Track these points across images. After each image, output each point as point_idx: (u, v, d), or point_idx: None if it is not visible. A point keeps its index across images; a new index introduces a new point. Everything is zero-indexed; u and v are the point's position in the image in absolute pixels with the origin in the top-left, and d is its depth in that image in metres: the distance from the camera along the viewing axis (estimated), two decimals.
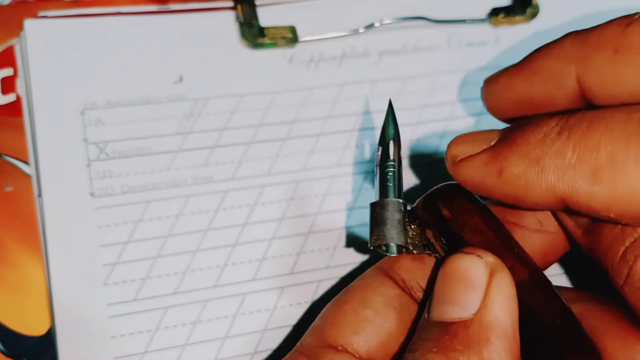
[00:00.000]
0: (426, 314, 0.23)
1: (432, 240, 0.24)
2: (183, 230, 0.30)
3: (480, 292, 0.21)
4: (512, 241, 0.23)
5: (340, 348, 0.24)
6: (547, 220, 0.26)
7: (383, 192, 0.25)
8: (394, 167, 0.25)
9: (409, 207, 0.25)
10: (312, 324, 0.25)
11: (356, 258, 0.31)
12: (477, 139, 0.23)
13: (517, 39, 0.37)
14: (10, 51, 0.33)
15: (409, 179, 0.33)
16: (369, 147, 0.33)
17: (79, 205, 0.30)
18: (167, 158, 0.31)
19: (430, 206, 0.24)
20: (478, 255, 0.22)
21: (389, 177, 0.25)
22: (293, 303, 0.30)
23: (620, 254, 0.21)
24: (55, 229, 0.29)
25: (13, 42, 0.33)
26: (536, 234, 0.26)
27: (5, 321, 0.29)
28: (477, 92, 0.36)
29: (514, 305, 0.22)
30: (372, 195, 0.32)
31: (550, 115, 0.21)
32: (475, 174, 0.22)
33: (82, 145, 0.31)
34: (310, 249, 0.31)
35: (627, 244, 0.21)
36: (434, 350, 0.21)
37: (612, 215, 0.20)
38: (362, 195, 0.32)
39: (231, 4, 0.35)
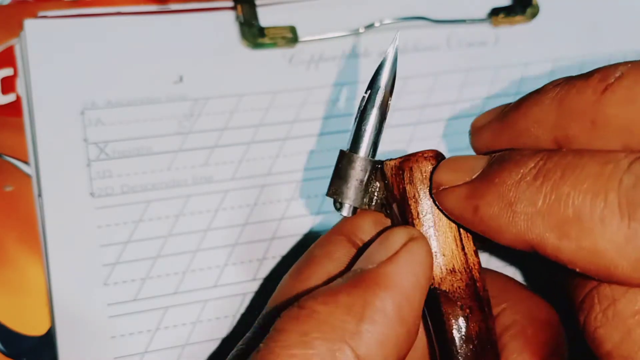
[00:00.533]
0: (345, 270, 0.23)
1: (391, 204, 0.23)
2: (183, 230, 0.30)
3: (391, 250, 0.22)
4: (459, 242, 0.23)
5: None
6: None
7: (355, 144, 0.23)
8: (375, 120, 0.23)
9: (379, 164, 0.24)
10: (272, 298, 0.25)
11: None
12: (461, 168, 0.22)
13: (517, 39, 0.37)
14: (10, 51, 0.33)
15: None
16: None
17: (79, 205, 0.30)
18: (167, 158, 0.31)
19: (397, 174, 0.23)
20: (407, 227, 0.22)
21: (364, 128, 0.23)
22: None
23: (581, 297, 0.21)
24: (55, 229, 0.29)
25: (13, 42, 0.33)
26: None
27: (5, 321, 0.29)
28: (477, 92, 0.36)
29: (422, 271, 0.22)
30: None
31: (533, 152, 0.21)
32: (454, 207, 0.22)
33: (82, 145, 0.31)
34: None
35: (588, 289, 0.21)
36: (322, 291, 0.21)
37: (577, 269, 0.20)
38: None
39: (231, 4, 0.35)
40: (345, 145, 0.24)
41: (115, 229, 0.30)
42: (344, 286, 0.21)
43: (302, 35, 0.35)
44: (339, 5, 0.36)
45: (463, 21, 0.37)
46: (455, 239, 0.23)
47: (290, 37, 0.34)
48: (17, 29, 0.33)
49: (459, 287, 0.22)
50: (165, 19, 0.34)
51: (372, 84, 0.24)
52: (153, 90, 0.32)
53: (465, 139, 0.35)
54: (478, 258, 0.23)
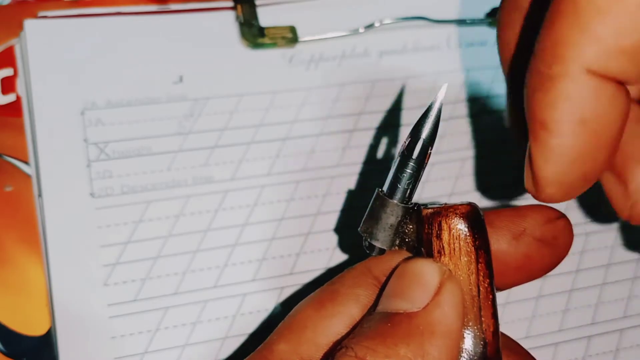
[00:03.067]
0: (372, 309, 0.23)
1: (421, 248, 0.24)
2: (183, 231, 0.30)
3: (431, 290, 0.22)
4: (477, 303, 0.23)
5: None
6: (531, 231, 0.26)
7: (391, 188, 0.24)
8: (413, 169, 0.23)
9: (416, 207, 0.24)
10: (286, 323, 0.24)
11: (355, 259, 0.31)
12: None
13: None
14: (10, 51, 0.33)
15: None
16: (369, 147, 0.33)
17: (79, 205, 0.30)
18: (167, 158, 0.31)
19: (428, 224, 0.23)
20: (434, 261, 0.22)
21: (403, 176, 0.24)
22: (293, 303, 0.30)
23: None
24: (55, 229, 0.29)
25: (13, 42, 0.33)
26: (515, 243, 0.26)
27: (6, 321, 0.29)
28: (477, 92, 0.36)
29: (462, 312, 0.22)
30: (368, 196, 0.32)
31: None
32: None
33: (82, 146, 0.31)
34: (310, 249, 0.31)
35: None
36: (372, 336, 0.21)
37: None
38: (363, 195, 0.32)
39: (231, 4, 0.35)
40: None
41: (115, 230, 0.30)
42: (398, 333, 0.21)
43: (302, 35, 0.35)
44: (339, 5, 0.36)
45: (463, 21, 0.37)
46: (474, 298, 0.23)
47: (290, 37, 0.34)
48: (17, 29, 0.33)
49: (467, 348, 0.22)
50: (165, 19, 0.34)
51: (414, 133, 0.24)
52: (153, 90, 0.32)
53: (466, 139, 0.35)
54: (494, 320, 0.23)
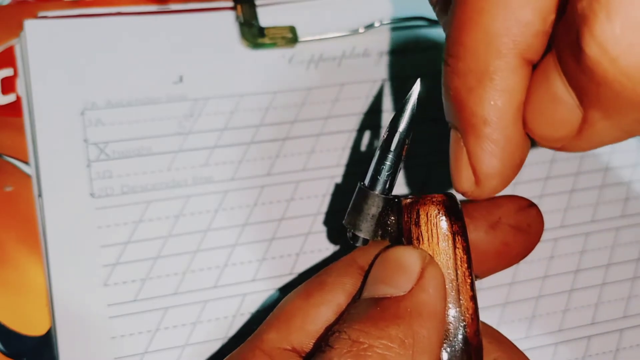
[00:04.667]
0: (357, 296, 0.23)
1: (402, 238, 0.24)
2: (183, 231, 0.30)
3: (414, 275, 0.22)
4: (455, 286, 0.24)
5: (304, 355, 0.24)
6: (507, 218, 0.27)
7: (372, 181, 0.25)
8: (391, 161, 0.25)
9: (396, 199, 0.25)
10: (276, 314, 0.25)
11: None
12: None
13: None
14: (10, 51, 0.33)
15: (408, 179, 0.33)
16: (369, 147, 0.33)
17: (79, 205, 0.30)
18: (167, 158, 0.31)
19: (407, 214, 0.24)
20: (412, 247, 0.23)
21: (382, 167, 0.25)
22: None
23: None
24: (55, 229, 0.29)
25: (13, 42, 0.33)
26: (492, 231, 0.26)
27: (5, 321, 0.29)
28: None
29: (444, 294, 0.23)
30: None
31: None
32: None
33: (82, 146, 0.31)
34: (310, 249, 0.31)
35: None
36: (364, 320, 0.21)
37: None
38: None
39: (231, 4, 0.35)
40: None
41: (115, 230, 0.30)
42: (388, 316, 0.21)
43: (302, 35, 0.35)
44: (339, 5, 0.36)
45: None
46: (452, 282, 0.23)
47: (290, 37, 0.34)
48: (17, 29, 0.33)
49: (447, 330, 0.23)
50: (165, 19, 0.34)
51: (392, 127, 0.25)
52: (153, 90, 0.32)
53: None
54: (473, 303, 0.23)
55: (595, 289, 0.33)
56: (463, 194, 0.24)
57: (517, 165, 0.23)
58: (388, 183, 0.25)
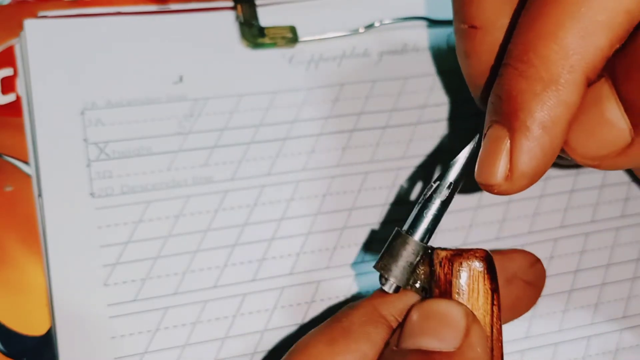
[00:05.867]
0: (394, 347, 0.23)
1: (434, 290, 0.24)
2: (183, 231, 0.30)
3: (461, 331, 0.23)
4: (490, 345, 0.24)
5: None
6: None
7: (412, 227, 0.25)
8: (437, 209, 0.25)
9: (430, 249, 0.25)
10: (295, 358, 0.24)
11: (357, 259, 0.31)
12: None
13: None
14: (10, 51, 0.33)
15: (408, 180, 0.33)
16: (368, 147, 0.33)
17: (79, 205, 0.30)
18: (167, 158, 0.31)
19: (447, 266, 0.24)
20: (457, 302, 0.23)
21: (425, 216, 0.25)
22: (293, 303, 0.30)
23: None
24: (55, 229, 0.29)
25: (13, 42, 0.33)
26: (508, 285, 0.27)
27: (6, 321, 0.29)
28: None
29: (489, 354, 0.23)
30: (366, 197, 0.32)
31: None
32: None
33: (82, 146, 0.31)
34: (310, 249, 0.31)
35: None
36: None
37: None
38: (362, 195, 0.32)
39: (231, 4, 0.35)
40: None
41: (115, 230, 0.30)
42: None
43: (302, 35, 0.35)
44: (339, 5, 0.36)
45: None
46: (487, 339, 0.24)
47: (290, 37, 0.34)
48: (17, 29, 0.33)
49: None
50: (165, 19, 0.34)
51: (443, 177, 0.25)
52: (153, 90, 0.32)
53: (465, 141, 0.35)
54: None
55: (595, 289, 0.33)
56: (488, 187, 0.24)
57: (543, 173, 0.24)
58: (428, 234, 0.25)
